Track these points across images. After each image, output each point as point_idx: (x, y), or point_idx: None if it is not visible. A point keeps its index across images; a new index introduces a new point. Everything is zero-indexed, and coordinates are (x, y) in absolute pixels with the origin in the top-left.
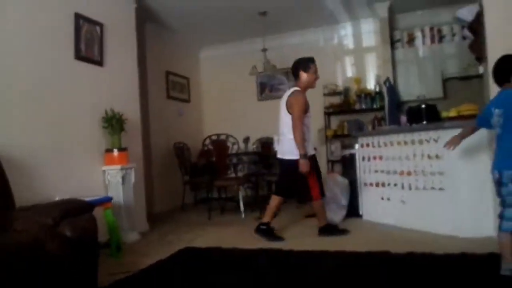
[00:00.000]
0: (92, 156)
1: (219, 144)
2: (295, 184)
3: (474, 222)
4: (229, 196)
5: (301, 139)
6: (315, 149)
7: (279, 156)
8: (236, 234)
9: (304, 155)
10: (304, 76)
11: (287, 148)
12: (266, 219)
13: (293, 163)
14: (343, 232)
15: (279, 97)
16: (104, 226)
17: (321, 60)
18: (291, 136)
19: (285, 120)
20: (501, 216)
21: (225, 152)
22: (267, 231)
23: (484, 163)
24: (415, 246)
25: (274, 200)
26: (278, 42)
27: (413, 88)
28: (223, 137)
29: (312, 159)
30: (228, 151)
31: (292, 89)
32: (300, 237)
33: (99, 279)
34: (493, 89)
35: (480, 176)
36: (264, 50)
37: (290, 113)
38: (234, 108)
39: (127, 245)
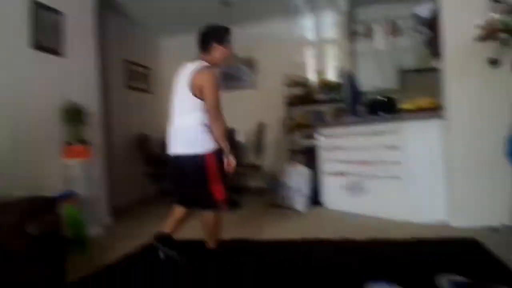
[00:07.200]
0: (51, 149)
1: None
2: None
3: (427, 208)
4: None
5: (223, 132)
6: None
7: (178, 150)
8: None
9: (228, 151)
10: (219, 49)
11: (192, 139)
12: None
13: (200, 159)
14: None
15: (241, 87)
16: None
17: (284, 51)
18: (196, 122)
19: (188, 103)
20: None
21: None
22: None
23: (436, 152)
24: (375, 232)
25: (179, 213)
26: (239, 33)
27: (371, 79)
28: None
29: (221, 153)
30: None
31: (198, 64)
32: (265, 227)
33: (67, 276)
34: (448, 83)
35: (433, 166)
36: None
37: (196, 96)
38: None
39: (91, 239)
